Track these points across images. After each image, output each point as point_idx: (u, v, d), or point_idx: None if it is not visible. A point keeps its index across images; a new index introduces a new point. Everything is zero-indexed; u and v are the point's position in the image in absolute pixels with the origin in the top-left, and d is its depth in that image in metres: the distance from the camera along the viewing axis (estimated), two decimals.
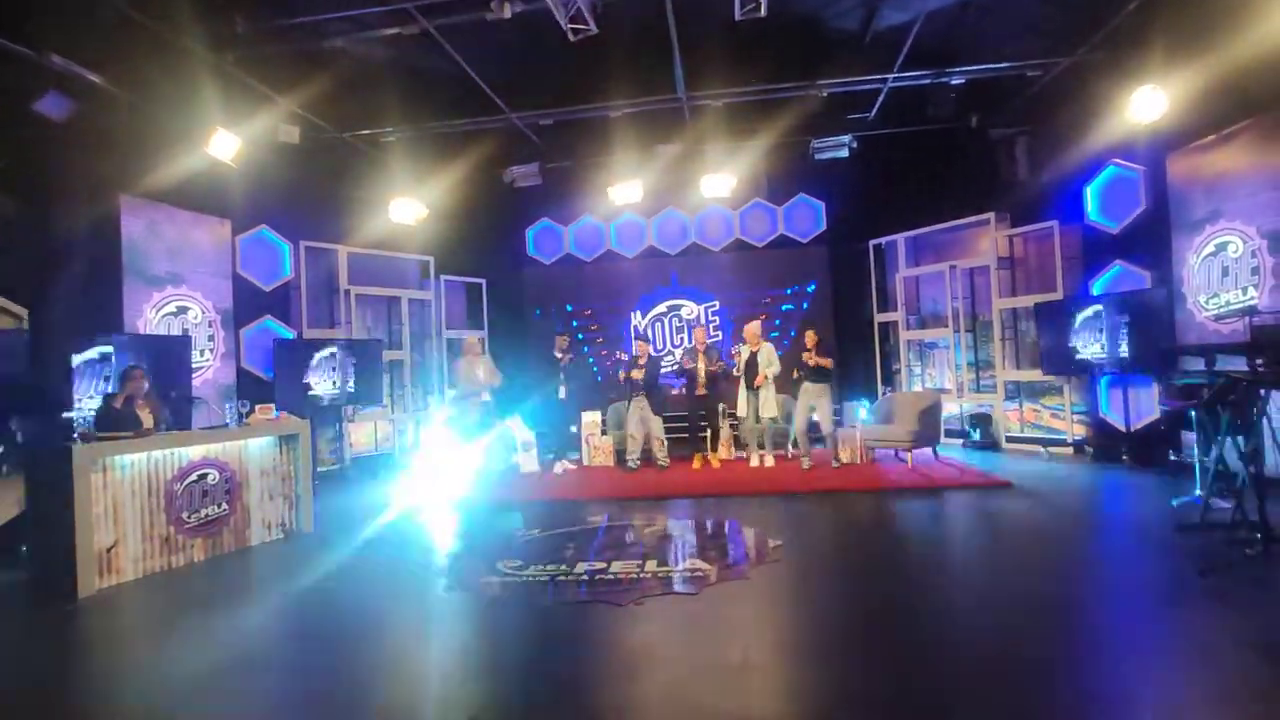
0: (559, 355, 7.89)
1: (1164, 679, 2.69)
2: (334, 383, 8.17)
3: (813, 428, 7.80)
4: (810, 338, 7.28)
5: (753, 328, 7.56)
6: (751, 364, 7.40)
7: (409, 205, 8.73)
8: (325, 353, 8.24)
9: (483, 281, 10.28)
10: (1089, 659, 2.85)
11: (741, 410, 7.50)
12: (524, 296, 10.42)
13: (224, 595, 4.28)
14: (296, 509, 5.90)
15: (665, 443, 7.67)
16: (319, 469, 8.16)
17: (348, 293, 8.77)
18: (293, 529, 5.84)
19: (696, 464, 7.67)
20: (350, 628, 3.63)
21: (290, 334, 8.32)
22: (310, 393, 8.03)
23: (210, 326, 7.64)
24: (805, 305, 10.02)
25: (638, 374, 7.65)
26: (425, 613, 3.84)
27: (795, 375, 7.38)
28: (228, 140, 6.77)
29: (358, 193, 8.73)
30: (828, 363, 7.23)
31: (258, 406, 5.89)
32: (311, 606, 4.03)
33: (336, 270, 8.79)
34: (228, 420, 5.52)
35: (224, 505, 5.32)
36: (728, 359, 7.84)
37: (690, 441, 7.87)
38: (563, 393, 7.91)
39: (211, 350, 7.62)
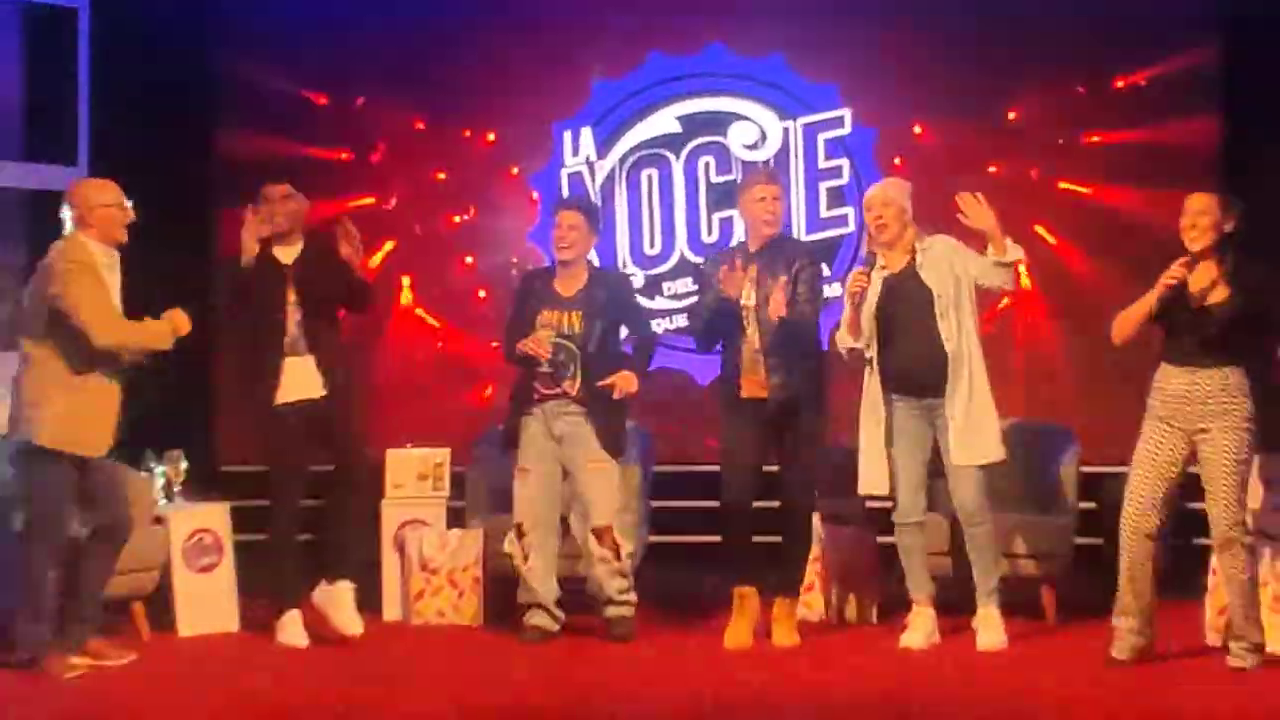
0: (279, 254, 3.81)
1: None
2: None
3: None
4: (1207, 211, 3.29)
5: (887, 193, 3.72)
6: (903, 312, 3.57)
7: None
8: None
9: (79, 5, 5.50)
10: None
11: (875, 471, 3.63)
12: (218, 63, 5.54)
13: None
14: None
15: (628, 557, 3.78)
16: None
17: None
18: None
19: (734, 636, 3.77)
20: None
21: None
22: None
23: None
24: (1134, 131, 5.17)
25: (558, 317, 3.74)
26: None
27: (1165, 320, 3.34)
28: None
29: None
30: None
31: None
32: None
33: None
34: None
35: None
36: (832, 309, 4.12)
37: (734, 560, 3.84)
38: (298, 383, 3.66)
39: None
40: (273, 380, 3.56)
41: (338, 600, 3.46)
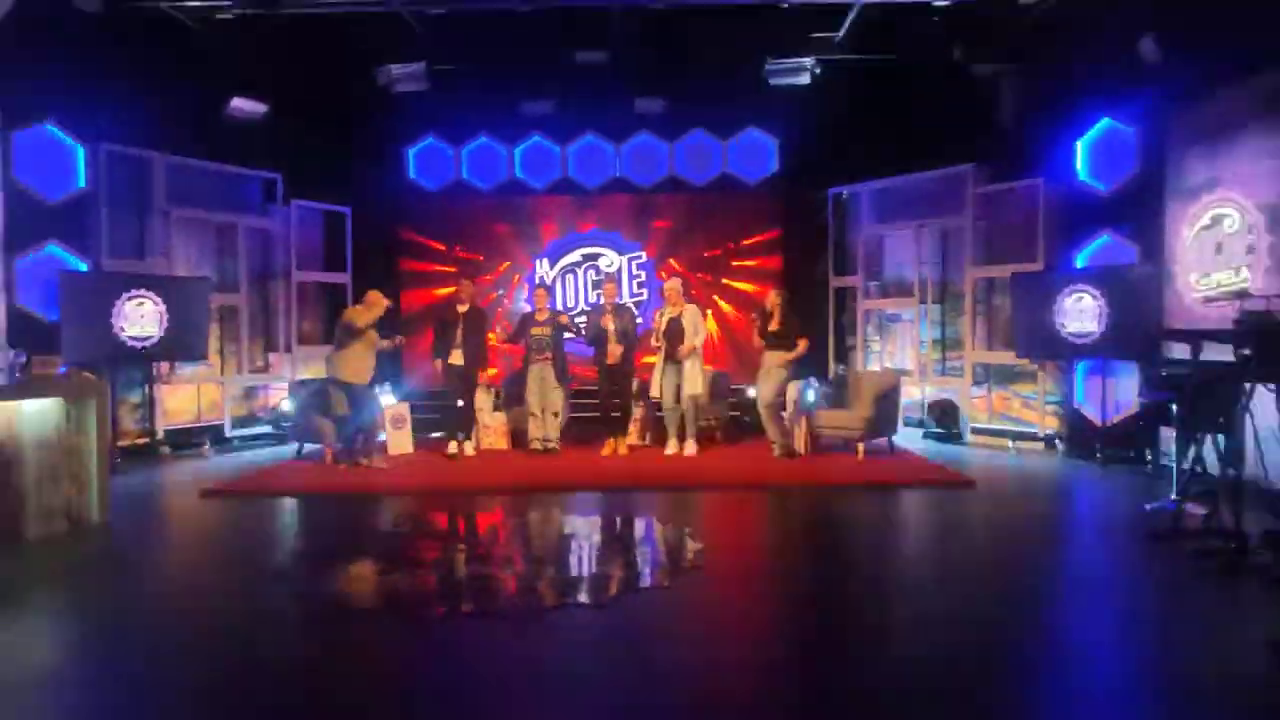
0: (459, 308, 8.00)
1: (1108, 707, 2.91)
2: (144, 330, 8.06)
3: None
4: (772, 298, 7.75)
5: (673, 285, 8.00)
6: (674, 331, 7.72)
7: (250, 104, 8.87)
8: (133, 296, 8.05)
9: (346, 210, 10.18)
10: (1030, 683, 3.17)
11: (656, 389, 7.85)
12: (400, 232, 10.59)
13: None
14: (90, 493, 5.66)
15: (561, 419, 8.03)
16: (120, 444, 7.94)
17: (166, 214, 8.67)
18: (82, 519, 5.65)
19: (606, 450, 7.99)
20: (166, 651, 3.51)
21: (84, 265, 8.03)
22: (111, 342, 7.82)
23: None
24: (751, 262, 10.53)
25: (539, 331, 7.91)
26: (259, 630, 3.77)
27: (756, 340, 7.79)
28: None
29: (181, 85, 8.40)
30: (797, 348, 7.67)
31: (36, 359, 5.67)
32: (107, 628, 3.84)
33: (151, 184, 8.64)
34: None
35: None
36: (648, 324, 8.22)
37: (603, 422, 8.10)
38: (457, 358, 7.90)
39: None
40: (449, 357, 7.78)
41: (465, 446, 7.96)
